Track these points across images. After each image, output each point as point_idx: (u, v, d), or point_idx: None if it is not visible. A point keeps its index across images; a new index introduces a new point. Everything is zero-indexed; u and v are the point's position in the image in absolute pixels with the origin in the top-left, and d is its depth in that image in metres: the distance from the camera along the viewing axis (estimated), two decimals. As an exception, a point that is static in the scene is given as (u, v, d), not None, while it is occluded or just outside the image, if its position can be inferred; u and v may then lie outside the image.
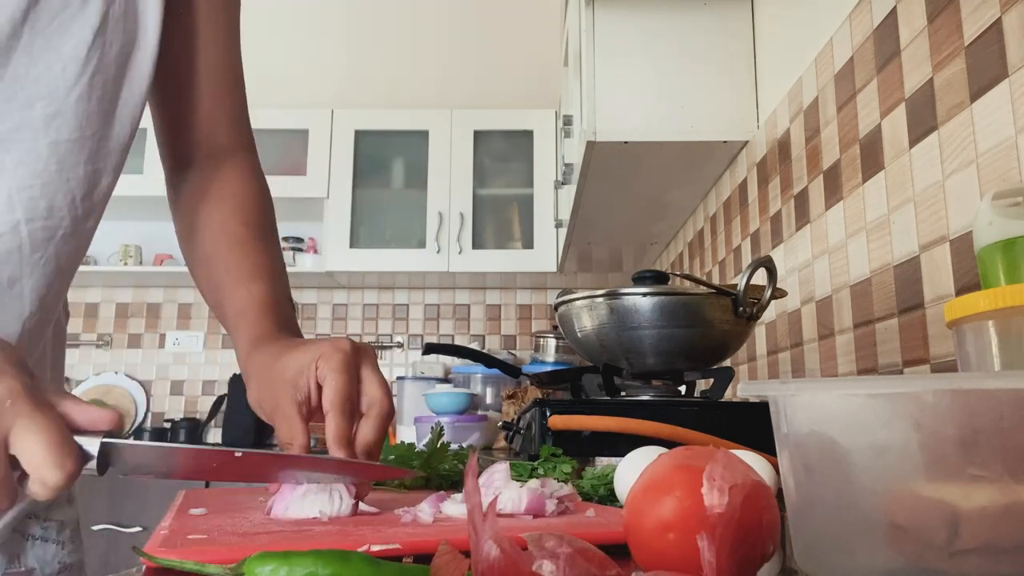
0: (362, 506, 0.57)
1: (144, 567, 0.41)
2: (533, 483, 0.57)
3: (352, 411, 0.59)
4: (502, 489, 0.56)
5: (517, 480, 0.62)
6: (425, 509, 0.55)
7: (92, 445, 0.47)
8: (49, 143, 0.62)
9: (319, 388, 0.60)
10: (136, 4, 0.68)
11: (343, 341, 0.61)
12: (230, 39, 0.80)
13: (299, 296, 3.48)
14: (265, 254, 0.72)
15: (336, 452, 0.58)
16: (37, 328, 0.65)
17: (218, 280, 0.70)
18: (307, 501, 0.55)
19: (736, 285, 1.07)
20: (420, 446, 0.80)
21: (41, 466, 0.43)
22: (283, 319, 0.68)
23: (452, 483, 0.80)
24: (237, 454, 0.51)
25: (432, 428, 0.75)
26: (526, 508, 0.55)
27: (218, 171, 0.77)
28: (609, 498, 0.73)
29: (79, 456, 0.45)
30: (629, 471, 0.63)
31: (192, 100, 0.78)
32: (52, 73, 0.62)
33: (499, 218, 3.21)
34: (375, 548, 0.43)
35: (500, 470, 0.58)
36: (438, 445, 0.78)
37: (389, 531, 0.48)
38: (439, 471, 0.78)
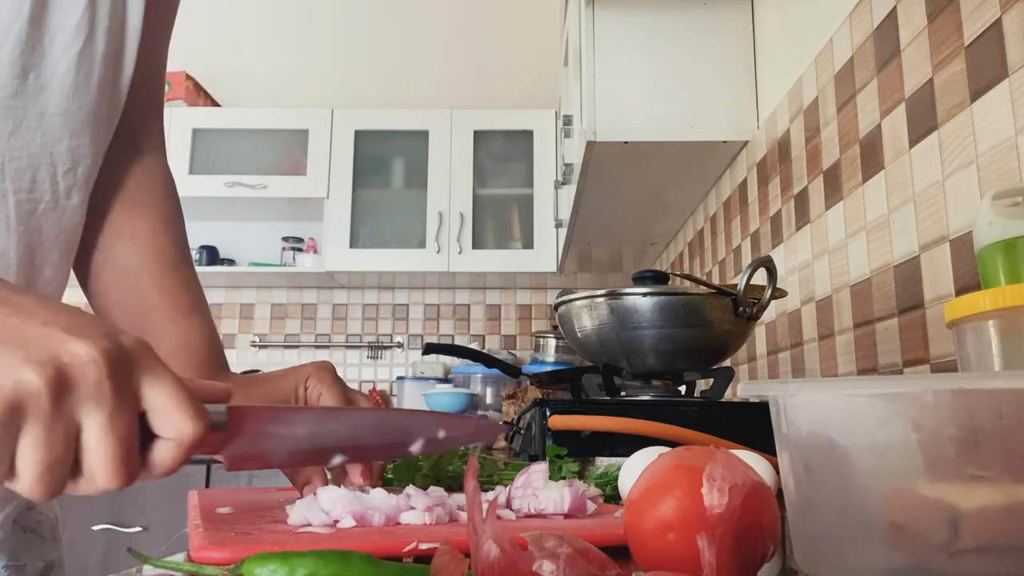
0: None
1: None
2: (565, 483, 0.58)
3: None
4: (541, 489, 0.57)
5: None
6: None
7: (216, 410, 0.43)
8: (37, 115, 0.62)
9: None
10: None
11: (324, 362, 0.66)
12: (169, 30, 0.79)
13: (299, 296, 3.47)
14: (196, 282, 0.74)
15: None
16: None
17: (150, 302, 0.70)
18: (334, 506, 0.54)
19: (736, 285, 1.07)
20: None
21: (180, 416, 0.40)
22: (223, 359, 0.71)
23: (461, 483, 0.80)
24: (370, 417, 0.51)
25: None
26: (570, 508, 0.56)
27: (137, 165, 0.76)
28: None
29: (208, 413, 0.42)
30: (634, 472, 0.63)
31: (132, 83, 0.75)
32: (43, 44, 0.62)
33: (499, 218, 3.21)
34: (423, 546, 0.43)
35: (539, 470, 0.59)
36: None
37: (432, 530, 0.48)
38: (447, 472, 0.79)
